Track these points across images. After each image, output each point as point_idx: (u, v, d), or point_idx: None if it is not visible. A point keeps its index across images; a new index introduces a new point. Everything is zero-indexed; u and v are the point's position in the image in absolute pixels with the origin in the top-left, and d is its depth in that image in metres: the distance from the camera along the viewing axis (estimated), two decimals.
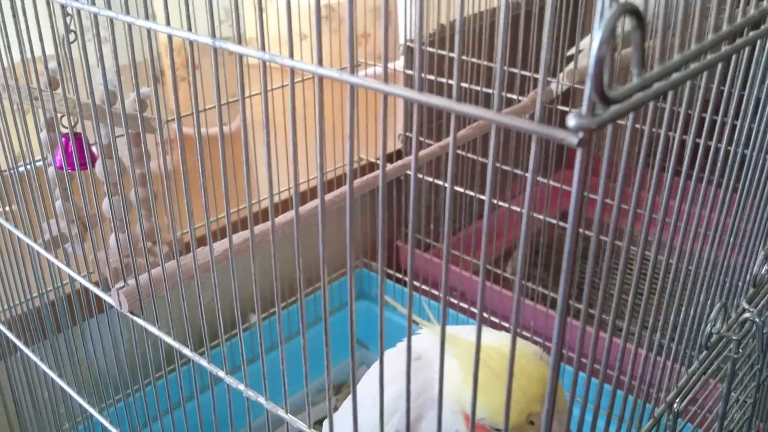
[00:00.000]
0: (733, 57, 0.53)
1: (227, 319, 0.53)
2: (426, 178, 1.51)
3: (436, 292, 1.47)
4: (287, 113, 0.44)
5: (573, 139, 0.27)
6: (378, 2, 1.69)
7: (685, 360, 0.56)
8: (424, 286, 1.48)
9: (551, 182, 1.35)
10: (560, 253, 0.33)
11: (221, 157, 0.50)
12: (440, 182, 1.53)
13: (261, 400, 0.57)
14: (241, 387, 0.58)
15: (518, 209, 1.39)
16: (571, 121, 0.27)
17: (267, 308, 1.35)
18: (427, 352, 0.70)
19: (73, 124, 0.70)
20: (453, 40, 1.45)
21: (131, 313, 0.61)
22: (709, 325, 0.53)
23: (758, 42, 0.50)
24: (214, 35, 0.46)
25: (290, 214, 0.77)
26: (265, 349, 0.54)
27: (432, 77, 1.42)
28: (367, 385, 0.76)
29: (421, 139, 1.51)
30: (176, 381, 0.67)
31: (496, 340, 0.63)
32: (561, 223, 1.37)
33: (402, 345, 0.77)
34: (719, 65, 0.41)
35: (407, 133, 1.55)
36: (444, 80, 1.40)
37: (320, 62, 0.40)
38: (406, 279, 1.34)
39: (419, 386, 0.68)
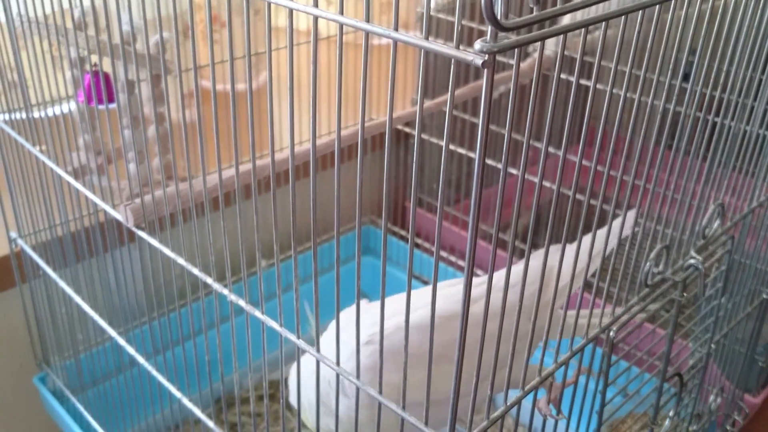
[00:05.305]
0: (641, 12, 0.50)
1: (248, 256, 0.60)
2: (432, 140, 1.57)
3: (442, 253, 1.54)
4: (307, 70, 0.49)
5: (478, 61, 0.34)
6: None
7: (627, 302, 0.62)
8: (426, 243, 1.56)
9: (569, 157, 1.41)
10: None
11: (249, 103, 0.55)
12: (452, 147, 1.59)
13: (274, 324, 0.60)
14: (257, 313, 0.62)
15: (533, 178, 1.45)
16: (477, 44, 0.34)
17: (284, 250, 1.42)
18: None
19: (98, 62, 0.78)
20: (472, 8, 1.50)
21: (137, 227, 0.68)
22: (648, 263, 0.60)
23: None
24: None
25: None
26: (282, 289, 0.60)
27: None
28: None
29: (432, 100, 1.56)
30: (197, 310, 0.71)
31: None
32: (567, 191, 1.42)
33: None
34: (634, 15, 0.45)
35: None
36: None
37: (342, 12, 0.45)
38: (415, 238, 1.40)
39: None
